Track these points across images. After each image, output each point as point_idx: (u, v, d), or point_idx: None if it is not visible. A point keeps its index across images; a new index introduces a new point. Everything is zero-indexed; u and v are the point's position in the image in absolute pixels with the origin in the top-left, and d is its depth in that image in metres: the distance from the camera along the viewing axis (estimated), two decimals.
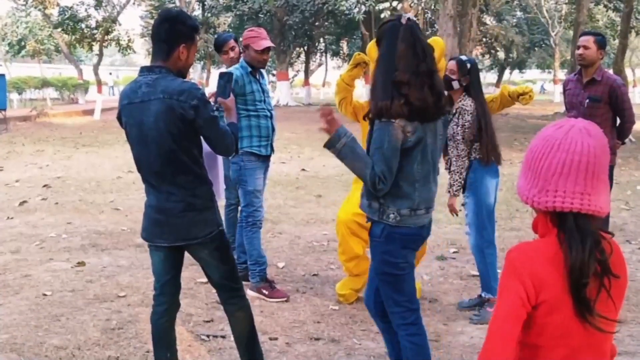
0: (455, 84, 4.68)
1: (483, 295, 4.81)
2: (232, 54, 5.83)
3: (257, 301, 5.05)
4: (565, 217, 1.72)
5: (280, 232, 7.32)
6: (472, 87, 4.74)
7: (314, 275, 5.79)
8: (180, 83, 3.08)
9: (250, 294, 5.16)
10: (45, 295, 5.09)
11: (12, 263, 5.97)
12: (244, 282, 5.31)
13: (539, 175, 1.75)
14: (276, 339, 4.32)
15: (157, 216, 3.20)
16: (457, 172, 4.64)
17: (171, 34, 3.13)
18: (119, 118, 3.23)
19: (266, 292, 5.11)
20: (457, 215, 4.84)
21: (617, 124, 5.64)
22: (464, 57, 4.79)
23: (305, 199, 9.45)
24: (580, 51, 5.55)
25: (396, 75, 2.88)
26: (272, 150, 5.32)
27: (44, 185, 10.34)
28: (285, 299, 5.08)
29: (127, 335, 4.33)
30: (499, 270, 4.72)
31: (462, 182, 4.71)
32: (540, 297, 1.70)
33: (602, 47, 5.54)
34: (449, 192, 4.70)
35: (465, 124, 4.63)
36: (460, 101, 4.69)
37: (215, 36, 6.49)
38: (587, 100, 5.50)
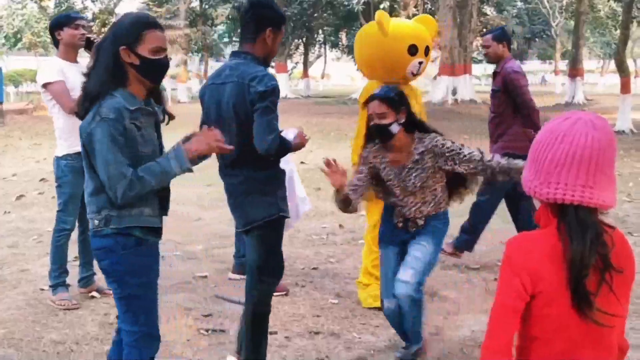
0: (394, 128, 3.57)
1: (414, 348, 3.93)
2: None
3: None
4: (566, 209, 1.72)
5: None
6: (413, 120, 3.69)
7: (314, 268, 5.79)
8: (257, 70, 3.23)
9: None
10: (42, 289, 5.09)
11: (10, 257, 5.97)
12: (243, 276, 5.34)
13: (542, 167, 1.75)
14: (275, 333, 4.32)
15: (230, 200, 3.49)
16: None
17: (258, 18, 3.30)
18: (202, 97, 3.44)
19: None
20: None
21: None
22: (383, 90, 3.68)
23: (305, 192, 9.42)
24: (484, 51, 5.96)
25: None
26: None
27: (41, 179, 10.33)
28: (284, 292, 5.08)
29: None
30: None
31: None
32: (537, 288, 1.72)
33: (501, 40, 5.78)
34: None
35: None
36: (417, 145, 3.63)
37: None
38: (491, 91, 5.85)
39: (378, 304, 4.77)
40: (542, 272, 1.71)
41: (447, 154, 3.54)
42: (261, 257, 3.48)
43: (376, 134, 3.62)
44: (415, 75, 4.83)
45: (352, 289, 5.20)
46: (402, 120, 3.58)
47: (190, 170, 2.72)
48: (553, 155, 1.72)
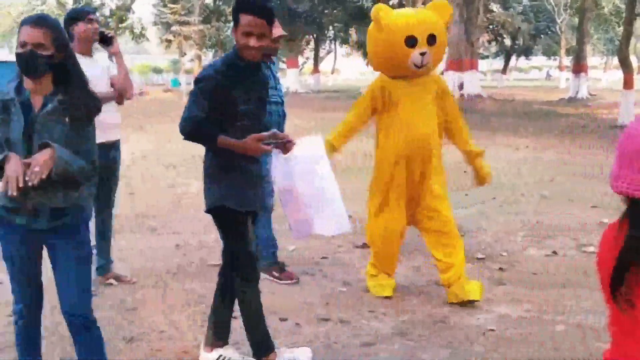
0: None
1: None
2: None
3: (267, 282, 5.06)
4: (636, 203, 1.71)
5: None
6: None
7: (323, 258, 5.80)
8: (215, 60, 3.39)
9: (261, 275, 5.18)
10: None
11: None
12: None
13: (619, 160, 1.74)
14: (286, 319, 4.33)
15: None
16: None
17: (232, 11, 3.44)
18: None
19: (277, 274, 5.12)
20: None
21: None
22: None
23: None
24: None
25: None
26: None
27: None
28: (295, 281, 5.10)
29: (140, 316, 4.36)
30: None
31: None
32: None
33: None
34: None
35: None
36: None
37: None
38: None
39: (385, 293, 4.79)
40: (600, 259, 1.74)
41: None
42: (225, 246, 3.57)
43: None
44: (420, 67, 4.56)
45: (360, 278, 5.20)
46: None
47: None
48: (627, 150, 1.71)
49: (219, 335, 3.67)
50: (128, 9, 30.95)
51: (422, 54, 4.51)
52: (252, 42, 3.22)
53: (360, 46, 41.18)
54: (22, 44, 2.72)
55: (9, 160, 2.64)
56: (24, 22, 2.78)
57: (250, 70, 3.35)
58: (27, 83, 2.79)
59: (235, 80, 3.29)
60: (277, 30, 5.16)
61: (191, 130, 3.23)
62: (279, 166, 3.52)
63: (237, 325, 4.21)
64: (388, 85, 4.67)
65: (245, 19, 3.21)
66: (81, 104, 2.82)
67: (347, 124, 4.77)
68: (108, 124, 4.49)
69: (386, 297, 4.75)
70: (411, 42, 4.51)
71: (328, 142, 4.63)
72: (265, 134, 3.31)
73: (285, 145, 3.40)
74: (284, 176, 3.52)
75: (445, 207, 4.70)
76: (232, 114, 3.30)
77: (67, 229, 2.88)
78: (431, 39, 4.54)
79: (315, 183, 3.53)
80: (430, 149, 4.61)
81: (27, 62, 2.73)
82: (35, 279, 2.99)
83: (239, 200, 3.38)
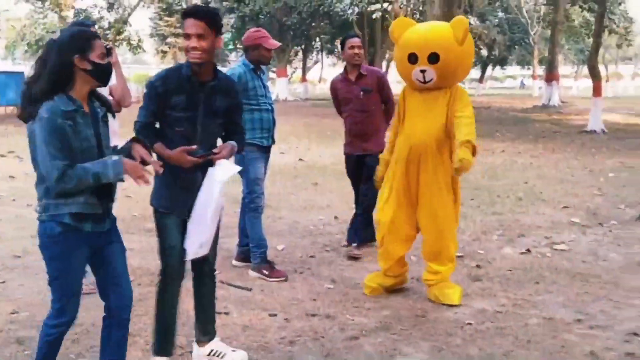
0: None
1: None
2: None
3: (258, 281, 5.06)
4: None
5: (280, 217, 7.33)
6: None
7: (311, 257, 5.80)
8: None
9: (251, 274, 5.18)
10: None
11: (32, 246, 5.93)
12: (246, 263, 5.36)
13: None
14: (276, 315, 4.33)
15: None
16: None
17: None
18: None
19: (266, 272, 5.12)
20: None
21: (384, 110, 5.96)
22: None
23: (303, 186, 9.45)
24: (355, 50, 5.79)
25: None
26: (273, 141, 5.33)
27: None
28: (284, 278, 5.09)
29: (138, 313, 4.33)
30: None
31: None
32: None
33: (362, 47, 5.92)
34: None
35: None
36: None
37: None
38: (361, 92, 5.78)
39: (365, 291, 4.78)
40: None
41: None
42: None
43: None
44: (424, 83, 4.48)
45: (346, 275, 5.21)
46: None
47: (123, 180, 2.83)
48: None
49: (201, 332, 3.65)
50: (125, 22, 30.80)
51: (422, 71, 4.44)
52: (192, 42, 3.16)
53: None
54: (102, 56, 2.82)
55: (127, 162, 2.82)
56: (97, 36, 2.90)
57: (195, 77, 3.25)
58: (81, 91, 2.81)
59: (174, 86, 3.23)
60: (274, 42, 5.21)
61: (136, 134, 3.24)
62: (207, 177, 3.27)
63: (229, 321, 4.21)
64: (407, 94, 4.72)
65: (185, 22, 3.20)
66: (106, 105, 3.00)
67: (392, 132, 4.86)
68: None
69: (370, 294, 4.75)
70: (412, 59, 4.49)
71: (383, 159, 4.80)
72: (194, 146, 3.20)
73: (212, 159, 3.26)
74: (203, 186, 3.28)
75: (443, 215, 4.56)
76: (169, 119, 3.27)
77: (115, 228, 3.05)
78: (433, 57, 4.40)
79: (207, 205, 3.25)
80: (427, 156, 4.50)
81: (109, 72, 2.95)
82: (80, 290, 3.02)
83: (166, 202, 3.37)
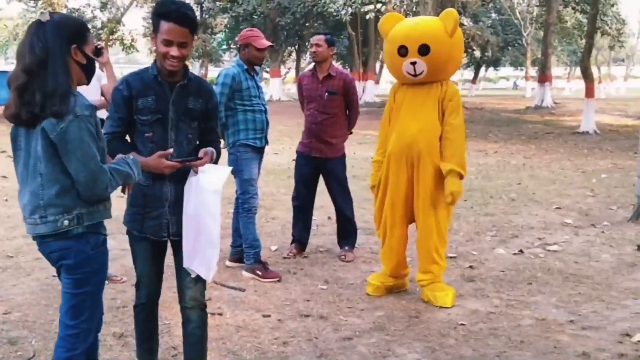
0: None
1: None
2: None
3: (251, 281, 5.05)
4: None
5: (273, 218, 7.32)
6: None
7: (304, 257, 5.79)
8: None
9: (245, 274, 5.17)
10: (54, 276, 5.06)
11: (25, 247, 5.94)
12: (239, 264, 5.35)
13: None
14: (269, 315, 4.32)
15: None
16: None
17: None
18: None
19: (260, 273, 5.11)
20: None
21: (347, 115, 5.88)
22: None
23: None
24: (313, 49, 5.73)
25: None
26: (267, 142, 5.32)
27: None
28: (277, 279, 5.08)
29: (130, 313, 4.31)
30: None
31: None
32: None
33: (331, 45, 5.75)
34: None
35: None
36: None
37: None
38: (327, 94, 5.69)
39: (368, 290, 4.79)
40: None
41: None
42: None
43: None
44: (415, 76, 4.46)
45: (340, 276, 5.21)
46: None
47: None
48: None
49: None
50: (119, 22, 30.72)
51: (413, 63, 4.41)
52: (173, 51, 2.83)
53: (340, 57, 41.27)
54: (94, 51, 2.57)
55: (148, 159, 2.80)
56: (88, 28, 2.66)
57: (162, 77, 2.94)
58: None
59: (141, 88, 2.93)
60: (265, 42, 5.20)
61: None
62: (187, 185, 2.97)
63: (223, 322, 4.20)
64: (397, 90, 4.71)
65: (166, 26, 2.82)
66: None
67: (380, 133, 4.84)
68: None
69: (372, 293, 4.76)
70: (402, 51, 4.47)
71: (376, 162, 4.76)
72: (170, 150, 2.89)
73: (193, 165, 2.93)
74: (187, 197, 2.97)
75: (438, 215, 4.55)
76: (138, 125, 2.96)
77: None
78: (423, 49, 4.39)
79: (203, 218, 2.95)
80: (419, 151, 4.47)
81: (94, 71, 2.69)
82: None
83: (136, 223, 3.09)
